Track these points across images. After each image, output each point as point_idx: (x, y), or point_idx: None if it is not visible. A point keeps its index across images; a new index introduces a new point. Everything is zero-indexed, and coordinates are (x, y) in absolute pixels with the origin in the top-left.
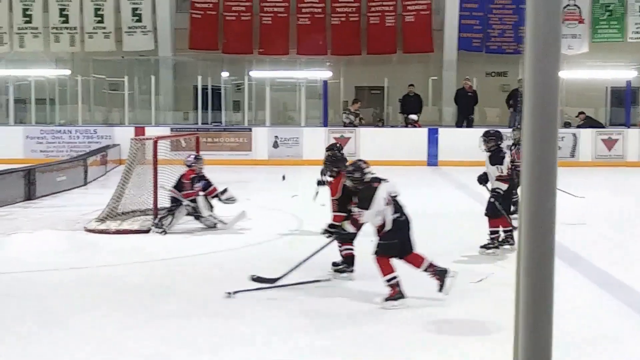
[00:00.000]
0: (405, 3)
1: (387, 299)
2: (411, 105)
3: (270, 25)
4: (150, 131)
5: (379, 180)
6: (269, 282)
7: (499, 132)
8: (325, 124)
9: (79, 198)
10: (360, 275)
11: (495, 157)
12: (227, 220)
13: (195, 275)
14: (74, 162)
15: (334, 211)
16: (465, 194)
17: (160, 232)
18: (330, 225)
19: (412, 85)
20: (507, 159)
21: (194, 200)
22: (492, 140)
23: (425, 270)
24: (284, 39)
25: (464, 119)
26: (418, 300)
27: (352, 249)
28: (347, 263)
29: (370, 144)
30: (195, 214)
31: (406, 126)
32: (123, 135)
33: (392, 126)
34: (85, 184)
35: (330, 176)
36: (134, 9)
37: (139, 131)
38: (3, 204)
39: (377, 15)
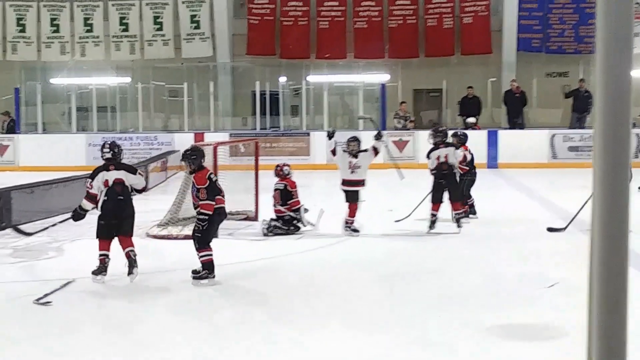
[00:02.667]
0: (463, 4)
1: None
2: (470, 108)
3: (327, 30)
4: (210, 137)
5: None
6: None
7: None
8: (383, 127)
9: (141, 204)
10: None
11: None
12: (313, 222)
13: (256, 280)
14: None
15: (202, 199)
16: (527, 196)
17: (267, 235)
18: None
19: (471, 87)
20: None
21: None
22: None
23: None
24: (341, 42)
25: (514, 121)
26: (481, 304)
27: (211, 255)
28: (207, 269)
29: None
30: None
31: (465, 128)
32: (183, 141)
33: (450, 129)
34: (147, 190)
35: (192, 170)
36: (192, 16)
37: (199, 137)
38: (67, 211)
39: (435, 18)
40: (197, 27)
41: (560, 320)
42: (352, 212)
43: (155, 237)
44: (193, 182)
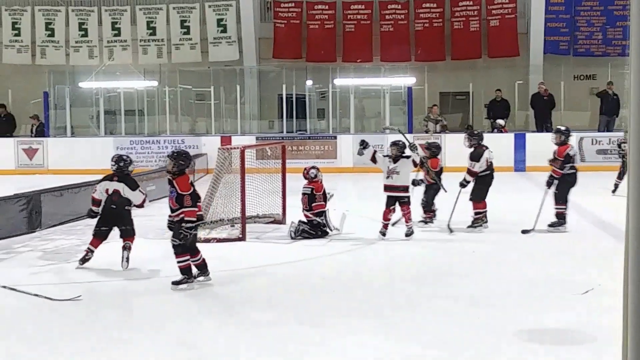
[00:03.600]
0: (489, 7)
1: None
2: (498, 111)
3: (353, 33)
4: (237, 140)
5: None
6: None
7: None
8: (410, 131)
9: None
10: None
11: (474, 154)
12: (338, 226)
13: (284, 283)
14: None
15: (187, 206)
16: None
17: (294, 238)
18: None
19: (499, 90)
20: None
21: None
22: (474, 139)
23: None
24: (368, 46)
25: (542, 124)
26: (511, 308)
27: (188, 260)
28: (186, 275)
29: (457, 150)
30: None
31: (492, 131)
32: (210, 144)
33: (480, 131)
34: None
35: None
36: (219, 20)
37: (226, 140)
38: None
39: (461, 21)
40: (224, 31)
41: (591, 324)
42: (406, 217)
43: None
44: (174, 187)
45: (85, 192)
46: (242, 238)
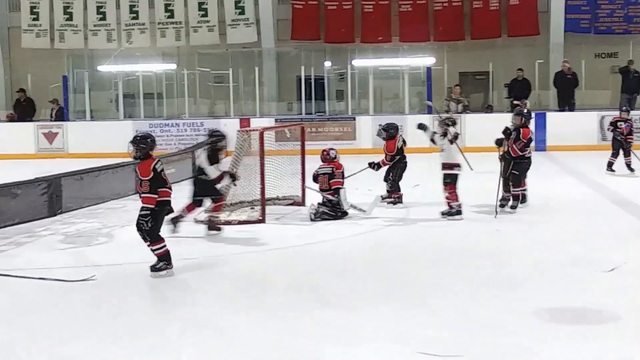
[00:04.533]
0: None
1: None
2: (519, 90)
3: (371, 13)
4: (256, 122)
5: None
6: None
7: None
8: (429, 111)
9: (188, 190)
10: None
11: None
12: (364, 208)
13: (305, 264)
14: (183, 154)
15: (144, 192)
16: (577, 179)
17: (314, 220)
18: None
19: (520, 69)
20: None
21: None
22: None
23: None
24: (386, 26)
25: (565, 103)
26: (532, 288)
27: (165, 245)
28: (165, 261)
29: (477, 131)
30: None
31: (511, 111)
32: (229, 126)
33: (499, 112)
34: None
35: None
36: (237, 2)
37: (244, 122)
38: (117, 197)
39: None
40: (242, 13)
41: (613, 304)
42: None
43: (202, 222)
44: (136, 172)
45: (105, 175)
46: (262, 220)
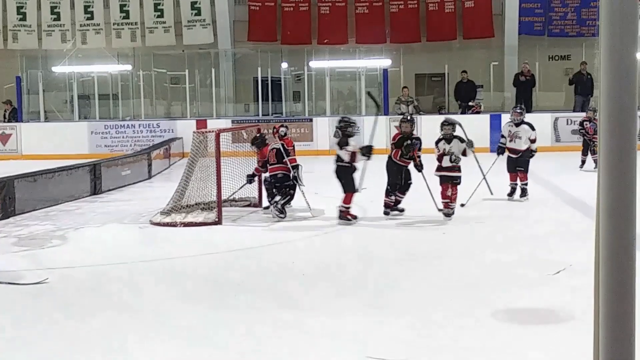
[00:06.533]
0: None
1: None
2: (465, 92)
3: (328, 15)
4: (212, 123)
5: None
6: None
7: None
8: (386, 112)
9: (144, 192)
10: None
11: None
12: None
13: (262, 266)
14: (138, 156)
15: None
16: (531, 180)
17: (283, 217)
18: None
19: (465, 71)
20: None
21: (295, 167)
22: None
23: None
24: (343, 28)
25: (523, 104)
26: (486, 289)
27: None
28: None
29: (432, 132)
30: (296, 182)
31: (463, 113)
32: (185, 128)
33: (453, 113)
34: (150, 177)
35: None
36: (193, 3)
37: (201, 124)
38: (71, 199)
39: (436, 2)
40: (198, 14)
41: (567, 304)
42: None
43: (158, 224)
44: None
45: (60, 177)
46: (218, 222)
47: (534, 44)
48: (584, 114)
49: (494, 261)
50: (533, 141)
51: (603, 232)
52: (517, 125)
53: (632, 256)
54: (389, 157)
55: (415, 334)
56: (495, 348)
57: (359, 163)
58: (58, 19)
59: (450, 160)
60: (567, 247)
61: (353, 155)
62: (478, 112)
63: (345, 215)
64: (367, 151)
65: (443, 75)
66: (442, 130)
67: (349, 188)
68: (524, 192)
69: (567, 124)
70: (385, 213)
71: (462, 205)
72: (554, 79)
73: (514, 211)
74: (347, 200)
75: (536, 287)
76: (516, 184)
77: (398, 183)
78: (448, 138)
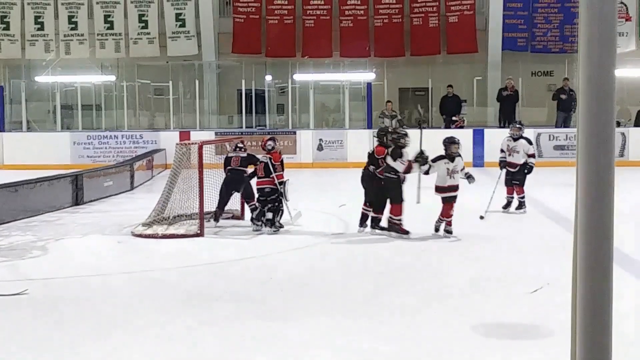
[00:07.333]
0: (448, 4)
1: None
2: (450, 106)
3: (312, 28)
4: (195, 135)
5: None
6: None
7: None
8: (369, 126)
9: (126, 203)
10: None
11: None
12: (295, 216)
13: (244, 278)
14: (121, 167)
15: None
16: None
17: (276, 231)
18: None
19: (450, 86)
20: None
21: (282, 183)
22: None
23: None
24: (327, 41)
25: (506, 119)
26: (466, 304)
27: None
28: None
29: (414, 146)
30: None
31: (447, 127)
32: (168, 139)
33: (436, 127)
34: (132, 188)
35: None
36: (178, 14)
37: (184, 135)
38: (52, 209)
39: (420, 17)
40: (183, 26)
41: (547, 319)
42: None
43: (140, 235)
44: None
45: (41, 187)
46: (200, 234)
47: (517, 59)
48: (567, 130)
49: (475, 276)
50: (531, 156)
51: (580, 247)
52: (515, 140)
53: (609, 271)
54: (372, 172)
55: (395, 347)
56: None
57: (413, 174)
58: (42, 28)
59: (469, 181)
60: (549, 262)
61: (409, 166)
62: (461, 127)
63: (399, 228)
64: (422, 158)
65: (427, 90)
66: (450, 149)
67: (398, 199)
68: (520, 205)
69: (550, 139)
70: (373, 227)
71: (482, 217)
72: (537, 95)
73: (496, 226)
74: (397, 211)
75: (516, 302)
76: (512, 197)
77: (373, 200)
78: (453, 157)
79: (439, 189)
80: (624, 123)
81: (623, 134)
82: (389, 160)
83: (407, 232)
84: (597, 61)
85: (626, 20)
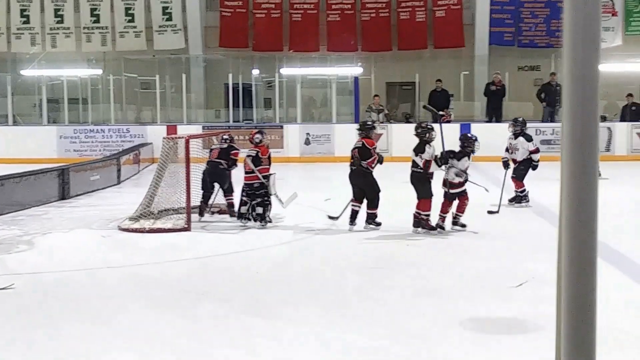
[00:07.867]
0: None
1: None
2: (438, 101)
3: (300, 22)
4: (182, 129)
5: None
6: None
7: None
8: (356, 121)
9: (113, 197)
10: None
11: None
12: (284, 200)
13: (230, 272)
14: (107, 161)
15: None
16: (500, 189)
17: (264, 225)
18: None
19: (439, 80)
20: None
21: (267, 177)
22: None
23: None
24: (314, 35)
25: (493, 114)
26: (455, 298)
27: None
28: None
29: (402, 141)
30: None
31: (435, 122)
32: (155, 133)
33: (424, 121)
34: (119, 182)
35: None
36: (164, 8)
37: (171, 130)
38: (38, 204)
39: (408, 11)
40: (169, 19)
41: (535, 314)
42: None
43: (127, 230)
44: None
45: (27, 181)
46: (187, 228)
47: (504, 54)
48: (553, 124)
49: (463, 271)
50: (533, 152)
51: (565, 241)
52: (515, 137)
53: (593, 265)
54: (364, 167)
55: (385, 342)
56: (461, 358)
57: (433, 171)
58: (28, 22)
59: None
60: (536, 257)
61: (427, 163)
62: (448, 121)
63: (426, 224)
64: (443, 162)
65: (414, 84)
66: (472, 147)
67: (425, 194)
68: (519, 200)
69: (536, 134)
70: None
71: (495, 212)
72: (524, 90)
73: (483, 222)
74: (424, 206)
75: (504, 297)
76: (524, 191)
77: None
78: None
79: (454, 185)
80: (610, 118)
81: (609, 128)
82: (413, 154)
83: (434, 228)
84: (581, 56)
85: (612, 15)
